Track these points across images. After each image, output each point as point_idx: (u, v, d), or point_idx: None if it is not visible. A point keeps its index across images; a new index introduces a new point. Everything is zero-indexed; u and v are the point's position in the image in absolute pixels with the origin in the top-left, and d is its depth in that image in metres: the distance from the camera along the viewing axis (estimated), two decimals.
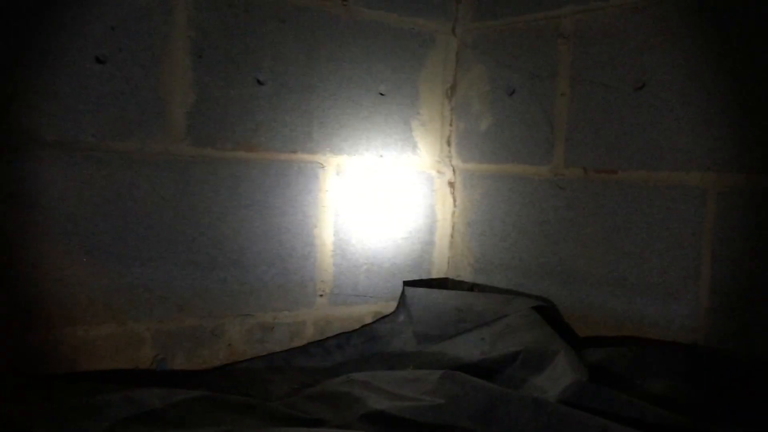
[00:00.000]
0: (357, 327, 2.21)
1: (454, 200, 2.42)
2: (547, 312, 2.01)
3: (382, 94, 2.24)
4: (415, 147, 2.33)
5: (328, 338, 2.13)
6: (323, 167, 2.14)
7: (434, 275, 2.41)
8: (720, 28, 1.70)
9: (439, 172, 2.40)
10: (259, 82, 1.99)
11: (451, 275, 2.42)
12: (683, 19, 1.77)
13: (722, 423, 1.46)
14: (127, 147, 1.79)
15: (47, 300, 1.71)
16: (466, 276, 2.37)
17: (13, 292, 1.66)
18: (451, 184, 2.42)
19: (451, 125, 2.41)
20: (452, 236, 2.42)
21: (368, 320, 2.24)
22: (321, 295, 2.15)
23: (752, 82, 1.64)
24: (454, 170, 2.41)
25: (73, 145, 1.72)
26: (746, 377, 1.60)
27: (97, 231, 1.76)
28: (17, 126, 1.65)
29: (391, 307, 2.26)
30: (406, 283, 2.28)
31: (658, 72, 1.82)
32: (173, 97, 1.85)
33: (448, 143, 2.41)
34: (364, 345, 2.11)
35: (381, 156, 2.25)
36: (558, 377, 1.64)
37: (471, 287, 2.32)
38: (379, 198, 2.26)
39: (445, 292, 2.24)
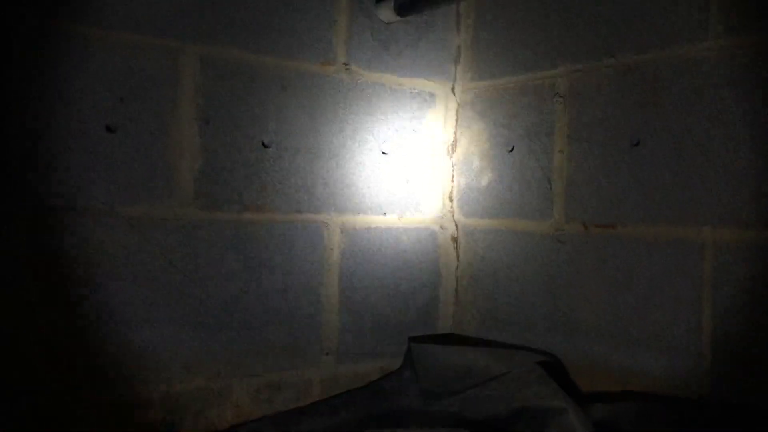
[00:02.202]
0: (363, 384, 2.22)
1: (458, 255, 2.45)
2: (551, 367, 2.01)
3: (384, 153, 2.29)
4: (418, 203, 2.37)
5: (334, 396, 2.14)
6: (328, 226, 2.17)
7: (439, 330, 2.42)
8: (716, 87, 1.75)
9: (442, 227, 2.43)
10: (264, 145, 2.05)
11: (456, 330, 2.44)
12: (674, 78, 1.82)
13: None
14: (135, 212, 1.84)
15: (54, 365, 1.73)
16: (471, 331, 2.38)
17: (20, 357, 1.68)
18: (455, 240, 2.45)
19: (452, 181, 2.46)
20: (456, 291, 2.44)
21: (374, 377, 2.25)
22: (327, 354, 2.16)
23: (747, 138, 1.68)
24: (456, 225, 2.45)
25: (83, 211, 1.76)
26: (752, 431, 1.60)
27: (106, 295, 1.79)
28: (30, 193, 1.69)
29: (397, 363, 2.28)
30: (412, 339, 2.30)
31: (652, 129, 1.87)
32: (181, 162, 1.91)
33: (450, 199, 2.46)
34: (370, 402, 2.11)
35: (384, 213, 2.29)
36: None
37: (476, 342, 2.32)
38: (384, 254, 2.29)
39: (450, 347, 2.24)
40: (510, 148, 2.25)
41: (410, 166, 2.35)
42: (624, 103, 1.93)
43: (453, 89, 2.44)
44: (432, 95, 2.40)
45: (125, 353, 1.82)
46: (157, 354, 1.86)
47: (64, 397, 1.74)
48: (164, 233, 1.88)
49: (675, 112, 1.82)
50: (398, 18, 2.25)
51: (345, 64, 2.20)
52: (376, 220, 2.28)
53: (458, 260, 2.44)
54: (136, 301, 1.83)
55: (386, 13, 2.24)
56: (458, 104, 2.45)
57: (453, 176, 2.46)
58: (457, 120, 2.45)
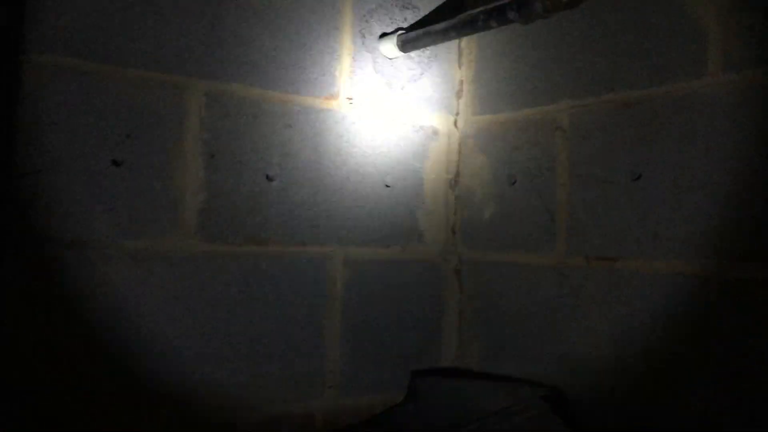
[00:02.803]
0: (366, 417, 2.21)
1: (461, 288, 2.45)
2: (556, 401, 2.01)
3: (387, 186, 2.31)
4: (420, 236, 2.39)
5: (337, 430, 2.13)
6: (331, 258, 2.18)
7: (442, 363, 2.41)
8: (709, 121, 1.77)
9: (445, 260, 2.44)
10: (269, 178, 2.07)
11: (459, 363, 2.43)
12: (672, 114, 1.84)
13: None
14: (139, 245, 1.86)
15: (59, 400, 1.73)
16: (474, 364, 2.38)
17: (22, 393, 1.69)
18: (457, 272, 2.46)
19: (455, 214, 2.47)
20: (460, 324, 2.44)
21: (377, 410, 2.24)
22: (330, 386, 2.16)
23: (747, 173, 1.69)
24: (459, 258, 2.46)
25: (87, 245, 1.78)
26: None
27: (109, 328, 1.80)
28: (35, 227, 1.72)
29: (400, 396, 2.27)
30: (415, 373, 2.29)
31: (652, 163, 1.88)
32: (185, 195, 1.93)
33: (453, 232, 2.47)
34: None
35: (387, 246, 2.31)
36: None
37: (479, 375, 2.32)
38: (387, 287, 2.30)
39: (453, 380, 2.24)
40: (512, 182, 2.27)
41: (413, 198, 2.37)
42: (624, 137, 1.95)
43: (455, 123, 2.47)
44: (434, 129, 2.43)
45: (128, 387, 1.82)
46: (161, 387, 1.86)
47: None
48: (168, 267, 1.89)
49: (674, 147, 1.83)
50: (401, 54, 2.28)
51: (348, 98, 2.23)
52: (379, 252, 2.29)
53: (461, 293, 2.45)
54: (140, 332, 1.84)
55: (389, 49, 2.27)
56: (460, 138, 2.47)
57: (456, 209, 2.47)
58: (459, 153, 2.47)
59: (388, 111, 2.32)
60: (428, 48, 2.34)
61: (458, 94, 2.48)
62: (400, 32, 2.26)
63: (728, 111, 1.73)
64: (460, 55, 2.48)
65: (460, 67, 2.48)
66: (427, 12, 2.39)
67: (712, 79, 1.76)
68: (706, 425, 1.74)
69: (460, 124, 2.47)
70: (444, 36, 2.12)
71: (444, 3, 2.41)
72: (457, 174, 2.48)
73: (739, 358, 1.69)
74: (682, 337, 1.80)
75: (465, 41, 2.47)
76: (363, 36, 2.26)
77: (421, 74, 2.39)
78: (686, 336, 1.79)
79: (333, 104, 2.20)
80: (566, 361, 2.07)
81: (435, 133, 2.43)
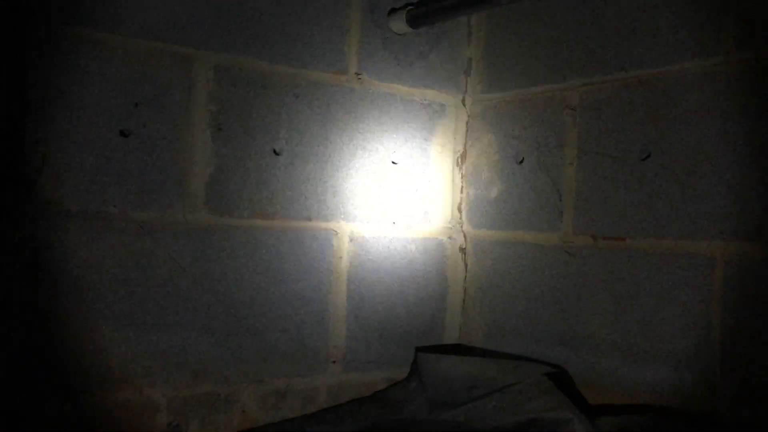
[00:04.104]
0: (369, 393, 2.22)
1: (466, 266, 2.45)
2: (559, 379, 2.01)
3: (394, 163, 2.30)
4: (426, 214, 2.38)
5: (340, 405, 2.14)
6: (337, 234, 2.18)
7: (446, 341, 2.42)
8: (727, 102, 1.76)
9: (450, 238, 2.44)
10: (276, 153, 2.06)
11: (463, 341, 2.44)
12: (684, 93, 1.83)
13: None
14: (147, 217, 1.85)
15: (66, 367, 1.74)
16: (478, 342, 2.38)
17: (32, 359, 1.69)
18: (463, 250, 2.46)
19: (461, 192, 2.47)
20: (464, 302, 2.45)
21: (381, 386, 2.25)
22: (334, 362, 2.16)
23: (756, 153, 1.69)
24: (465, 236, 2.46)
25: (95, 216, 1.78)
26: None
27: (116, 299, 1.80)
28: (43, 197, 1.71)
29: (404, 372, 2.28)
30: (418, 349, 2.30)
31: (662, 143, 1.87)
32: (193, 168, 1.92)
33: (459, 210, 2.46)
34: (376, 412, 2.11)
35: (394, 223, 2.30)
36: None
37: (483, 353, 2.32)
38: (392, 264, 2.30)
39: (457, 358, 2.24)
40: (520, 160, 2.26)
41: (420, 176, 2.36)
42: (634, 116, 1.94)
43: (463, 101, 2.46)
44: (442, 106, 2.42)
45: (134, 356, 1.82)
46: (166, 358, 1.87)
47: (69, 399, 1.75)
48: (175, 238, 1.89)
49: (685, 127, 1.82)
50: (410, 29, 2.26)
51: (357, 73, 2.22)
52: (385, 229, 2.29)
53: (466, 271, 2.45)
54: (145, 304, 1.84)
55: (398, 25, 2.26)
56: (468, 116, 2.46)
57: (462, 187, 2.47)
58: (467, 131, 2.46)
59: (396, 88, 2.30)
60: (437, 24, 2.32)
61: (467, 72, 2.46)
62: (409, 8, 2.24)
63: (741, 90, 1.71)
64: (469, 32, 2.46)
65: (469, 44, 2.46)
66: None
67: (725, 57, 1.75)
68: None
69: (468, 102, 2.46)
70: (454, 12, 2.10)
71: None
72: (464, 152, 2.47)
73: (749, 346, 1.70)
74: (690, 317, 1.80)
75: (475, 18, 2.45)
76: (372, 11, 2.24)
77: (430, 51, 2.38)
78: (693, 315, 1.79)
79: (341, 79, 2.19)
80: (571, 340, 2.08)
81: (443, 110, 2.42)
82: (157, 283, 1.86)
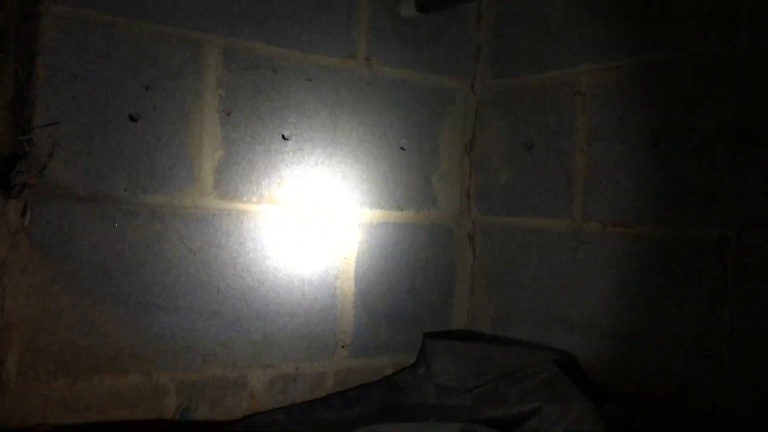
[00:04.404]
0: (377, 378, 2.22)
1: (474, 252, 2.45)
2: (567, 365, 2.01)
3: (402, 149, 2.30)
4: (435, 200, 2.38)
5: (348, 390, 2.15)
6: (345, 220, 2.18)
7: (454, 327, 2.42)
8: (732, 88, 1.75)
9: (458, 224, 2.44)
10: (284, 138, 2.06)
11: (470, 327, 2.44)
12: (696, 78, 1.81)
13: None
14: (156, 201, 1.85)
15: (75, 350, 1.75)
16: (486, 328, 2.38)
17: (42, 341, 1.70)
18: (471, 237, 2.45)
19: (470, 179, 2.46)
20: (472, 288, 2.44)
21: (388, 372, 2.26)
22: (342, 347, 2.17)
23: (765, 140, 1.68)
24: (473, 223, 2.45)
25: (105, 199, 1.78)
26: None
27: (126, 282, 1.81)
28: (53, 181, 1.71)
29: (412, 358, 2.28)
30: (426, 335, 2.30)
31: (672, 129, 1.86)
32: (202, 152, 1.92)
33: (468, 196, 2.46)
34: (384, 397, 2.12)
35: (402, 209, 2.30)
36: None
37: (491, 339, 2.33)
38: (400, 250, 2.30)
39: (464, 343, 2.25)
40: (529, 146, 2.25)
41: (428, 162, 2.36)
42: (644, 102, 1.93)
43: (472, 86, 2.45)
44: (451, 92, 2.41)
45: (143, 340, 1.83)
46: (175, 341, 1.88)
47: (79, 382, 1.76)
48: (184, 222, 1.89)
49: (696, 113, 1.81)
50: (419, 14, 2.25)
51: (366, 58, 2.21)
52: (393, 215, 2.28)
53: (474, 257, 2.45)
54: (154, 288, 1.85)
55: (407, 9, 2.24)
56: (477, 101, 2.45)
57: (471, 173, 2.46)
58: (476, 117, 2.46)
59: (405, 73, 2.29)
60: (446, 9, 2.31)
61: (476, 57, 2.45)
62: None
63: (755, 76, 1.70)
64: (478, 17, 2.45)
65: (478, 29, 2.45)
66: None
67: (740, 44, 1.73)
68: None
69: (477, 87, 2.45)
70: None
71: None
72: (473, 138, 2.46)
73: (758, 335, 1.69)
74: (699, 304, 1.80)
75: (485, 3, 2.43)
76: None
77: (439, 36, 2.36)
78: (703, 302, 1.79)
79: (350, 64, 2.18)
80: (579, 327, 2.07)
81: (452, 96, 2.41)
82: (167, 266, 1.87)
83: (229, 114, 1.96)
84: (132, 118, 1.82)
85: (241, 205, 1.99)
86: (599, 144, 2.04)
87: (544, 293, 2.19)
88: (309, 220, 2.11)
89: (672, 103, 1.87)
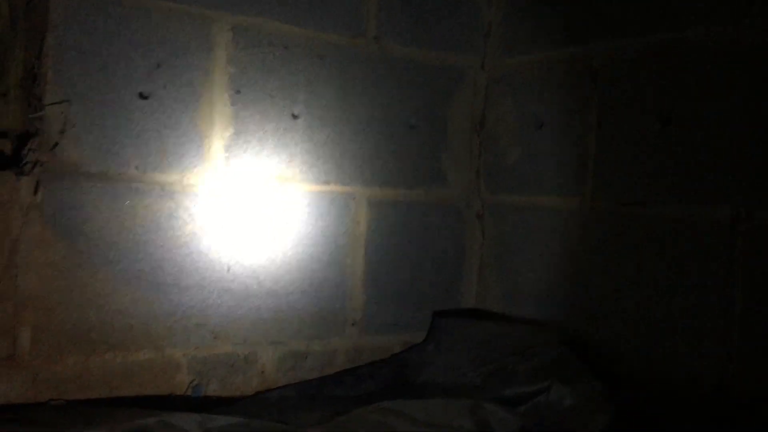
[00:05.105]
0: (387, 356, 2.24)
1: (483, 232, 2.45)
2: (575, 346, 2.02)
3: (412, 127, 2.29)
4: (444, 179, 2.38)
5: (358, 367, 2.16)
6: (355, 198, 2.18)
7: (463, 306, 2.43)
8: (747, 68, 1.73)
9: (467, 203, 2.43)
10: (294, 116, 2.06)
11: (479, 306, 2.44)
12: (709, 58, 1.80)
13: None
14: (167, 179, 1.86)
15: (87, 326, 1.76)
16: (494, 307, 2.39)
17: (55, 318, 1.72)
18: (480, 216, 2.45)
19: (479, 158, 2.45)
20: (480, 267, 2.45)
21: (398, 349, 2.27)
22: (352, 324, 2.18)
23: None
24: (482, 202, 2.45)
25: (116, 177, 1.79)
26: None
27: (137, 259, 1.82)
28: (65, 159, 1.72)
29: (421, 336, 2.29)
30: (436, 314, 2.31)
31: (684, 108, 1.85)
32: (212, 130, 1.92)
33: (477, 175, 2.45)
34: (394, 374, 2.13)
35: (411, 187, 2.30)
36: (587, 413, 1.66)
37: (499, 318, 2.33)
38: (410, 229, 2.30)
39: (473, 322, 2.26)
40: (539, 125, 2.24)
41: (437, 141, 2.35)
42: (657, 81, 1.91)
43: (482, 65, 2.43)
44: (461, 70, 2.39)
45: (155, 316, 1.85)
46: (186, 318, 1.89)
47: (91, 358, 1.77)
48: (194, 200, 1.90)
49: (709, 92, 1.80)
50: None
51: (375, 37, 2.20)
52: (403, 194, 2.29)
53: (483, 237, 2.45)
54: (165, 265, 1.86)
55: None
56: (487, 80, 2.44)
57: (480, 152, 2.45)
58: (486, 96, 2.44)
59: (414, 51, 2.28)
60: None
61: (486, 35, 2.43)
62: None
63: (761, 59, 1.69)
64: None
65: (489, 7, 2.43)
66: None
67: (754, 21, 1.71)
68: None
69: (487, 66, 2.44)
70: None
71: None
72: (483, 117, 2.45)
73: None
74: (710, 284, 1.79)
75: None
76: None
77: (449, 14, 2.35)
78: (714, 283, 1.78)
79: (360, 42, 2.17)
80: (589, 308, 2.08)
81: (461, 74, 2.40)
82: (178, 244, 1.88)
83: (239, 92, 1.96)
84: (142, 96, 1.82)
85: (251, 183, 1.99)
86: (611, 123, 2.03)
87: (553, 272, 2.19)
88: (319, 198, 2.11)
89: (684, 83, 1.85)
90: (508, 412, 1.69)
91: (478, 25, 2.41)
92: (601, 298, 2.04)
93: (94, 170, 1.76)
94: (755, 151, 1.71)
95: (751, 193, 1.72)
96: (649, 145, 1.93)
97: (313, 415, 1.80)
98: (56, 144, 1.71)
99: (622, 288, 1.99)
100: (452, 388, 2.00)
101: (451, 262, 2.40)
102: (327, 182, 2.13)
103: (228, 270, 1.95)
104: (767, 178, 1.69)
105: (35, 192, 1.69)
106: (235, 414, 1.70)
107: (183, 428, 1.54)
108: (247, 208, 1.98)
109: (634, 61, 1.97)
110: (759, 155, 1.70)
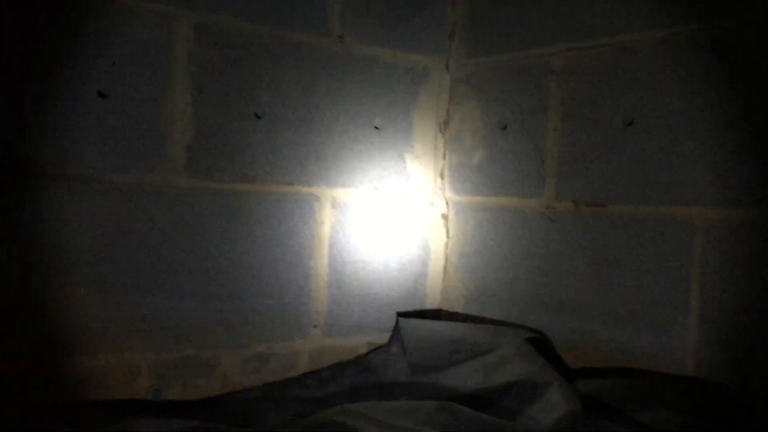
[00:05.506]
0: (351, 358, 2.23)
1: (447, 232, 2.45)
2: (539, 343, 2.03)
3: (377, 128, 2.29)
4: (408, 180, 2.37)
5: (322, 369, 2.15)
6: (319, 199, 2.17)
7: (427, 306, 2.43)
8: (709, 69, 1.76)
9: (432, 204, 2.44)
10: (257, 116, 2.03)
11: (444, 306, 2.45)
12: (671, 59, 1.82)
13: None
14: (127, 179, 1.82)
15: (46, 330, 1.72)
16: (459, 307, 2.39)
17: (12, 323, 1.67)
18: (445, 217, 2.45)
19: (444, 158, 2.46)
20: (445, 268, 2.45)
21: (362, 351, 2.26)
22: (315, 326, 2.17)
23: (737, 120, 1.69)
24: (447, 203, 2.45)
25: (75, 178, 1.75)
26: (737, 409, 1.62)
27: (96, 262, 1.78)
28: (22, 159, 1.68)
29: (385, 338, 2.29)
30: (400, 314, 2.31)
31: (646, 109, 1.87)
32: (173, 130, 1.89)
33: (442, 176, 2.46)
34: (358, 376, 2.12)
35: (376, 188, 2.29)
36: (551, 408, 1.66)
37: (464, 318, 2.34)
38: (373, 230, 2.29)
39: (438, 323, 2.26)
40: (503, 126, 2.25)
41: (402, 141, 2.35)
42: (618, 82, 1.94)
43: (447, 65, 2.44)
44: (426, 71, 2.39)
45: (115, 320, 1.81)
46: (147, 322, 1.86)
47: (50, 362, 1.73)
48: (155, 201, 1.87)
49: (668, 93, 1.82)
50: None
51: (339, 36, 2.19)
52: (367, 194, 2.28)
53: (448, 237, 2.45)
54: (126, 268, 1.82)
55: None
56: (452, 81, 2.44)
57: (445, 153, 2.46)
58: (450, 97, 2.45)
59: (379, 51, 2.27)
60: None
61: (451, 36, 2.44)
62: None
63: (722, 56, 1.71)
64: None
65: (453, 7, 2.43)
66: None
67: (703, 23, 1.74)
68: None
69: (451, 66, 2.44)
70: None
71: None
72: (447, 117, 2.45)
73: (727, 311, 1.72)
74: (669, 282, 1.82)
75: None
76: None
77: (414, 14, 2.35)
78: (672, 281, 1.81)
79: (324, 42, 2.15)
80: (552, 305, 2.09)
81: (426, 75, 2.40)
82: (138, 246, 1.84)
83: (200, 91, 1.93)
84: (101, 95, 1.78)
85: (213, 185, 1.96)
86: (573, 124, 2.05)
87: (517, 272, 2.20)
88: (282, 200, 2.09)
89: (644, 84, 1.88)
90: (473, 413, 1.69)
91: (443, 26, 2.42)
92: (565, 296, 2.06)
93: (52, 171, 1.72)
94: (713, 152, 1.74)
95: (710, 194, 1.74)
96: (611, 146, 1.95)
97: (275, 417, 1.78)
98: (11, 143, 1.66)
99: (585, 285, 2.01)
100: (417, 388, 2.00)
101: (416, 263, 2.40)
102: (290, 183, 2.11)
103: (189, 273, 1.92)
104: (726, 179, 1.71)
105: None
106: (196, 418, 1.67)
107: None
108: (209, 209, 1.95)
109: (595, 62, 1.99)
110: (717, 156, 1.73)
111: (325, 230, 2.18)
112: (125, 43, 1.80)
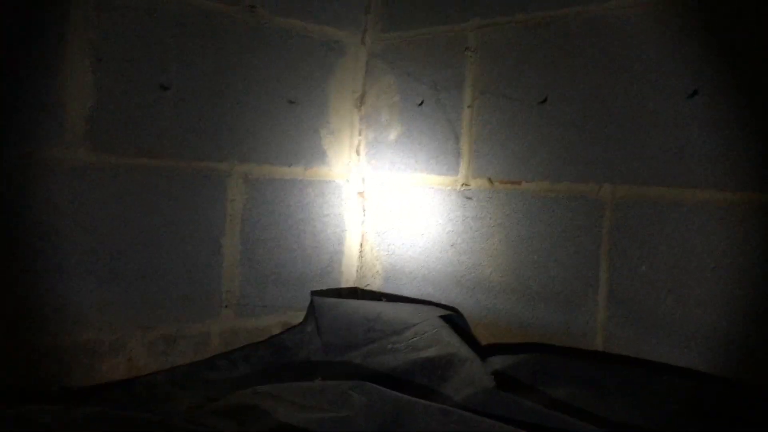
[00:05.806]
0: (264, 338, 2.17)
1: (364, 210, 2.42)
2: (454, 321, 2.03)
3: (291, 102, 2.22)
4: (324, 156, 2.32)
5: (233, 350, 2.08)
6: (230, 175, 2.09)
7: (343, 285, 2.40)
8: (620, 46, 1.78)
9: (348, 181, 2.39)
10: (164, 87, 1.94)
11: (360, 285, 2.42)
12: (583, 36, 1.83)
13: (622, 427, 1.52)
14: (20, 152, 1.70)
15: None
16: (375, 285, 2.37)
17: None
18: (361, 194, 2.42)
19: (360, 135, 2.42)
20: (361, 246, 2.42)
21: (276, 331, 2.21)
22: (227, 306, 2.10)
23: (647, 98, 1.72)
24: (363, 179, 2.42)
25: None
26: (645, 382, 1.66)
27: None
28: None
29: (300, 317, 2.24)
30: (314, 293, 2.26)
31: (560, 87, 1.88)
32: (70, 100, 1.77)
33: (358, 152, 2.42)
34: (271, 356, 2.07)
35: (290, 165, 2.23)
36: (465, 385, 1.67)
37: (380, 297, 2.32)
38: (288, 207, 2.23)
39: (353, 301, 2.23)
40: (419, 102, 2.23)
41: (318, 116, 2.29)
42: (533, 59, 1.94)
43: (363, 40, 2.39)
44: (341, 45, 2.34)
45: (9, 301, 1.69)
46: (43, 304, 1.75)
47: None
48: (52, 176, 1.75)
49: (582, 70, 1.84)
50: None
51: (251, 6, 2.10)
52: (281, 171, 2.21)
53: (364, 214, 2.42)
54: (19, 246, 1.71)
55: None
56: (368, 55, 2.40)
57: (361, 129, 2.42)
58: (366, 71, 2.40)
59: (293, 23, 2.20)
60: None
61: (367, 10, 2.39)
62: None
63: (637, 33, 1.73)
64: None
65: None
66: None
67: (624, 1, 1.76)
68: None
69: (367, 40, 2.39)
70: None
71: None
72: (364, 93, 2.41)
73: (633, 286, 1.76)
74: (580, 259, 1.84)
75: None
76: None
77: None
78: (583, 257, 1.84)
79: (233, 10, 2.07)
80: (467, 282, 2.10)
81: (342, 49, 2.34)
82: (32, 224, 1.73)
83: (100, 60, 1.81)
84: None
85: (115, 159, 1.86)
86: (487, 100, 2.04)
87: (432, 250, 2.20)
88: (192, 175, 2.00)
89: (561, 62, 1.88)
90: (387, 392, 1.67)
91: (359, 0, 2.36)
92: (480, 273, 2.06)
93: None
94: (621, 130, 1.76)
95: (618, 171, 1.77)
96: (525, 124, 1.96)
97: (183, 402, 1.72)
98: None
99: (499, 262, 2.02)
100: (331, 368, 1.97)
101: (332, 241, 2.36)
102: (200, 158, 2.02)
103: (91, 251, 1.82)
104: (631, 156, 1.74)
105: None
106: (98, 404, 1.59)
107: (38, 421, 1.42)
108: (111, 184, 1.85)
109: (511, 39, 1.99)
110: (624, 133, 1.75)
111: (237, 207, 2.11)
112: (17, 9, 1.67)
